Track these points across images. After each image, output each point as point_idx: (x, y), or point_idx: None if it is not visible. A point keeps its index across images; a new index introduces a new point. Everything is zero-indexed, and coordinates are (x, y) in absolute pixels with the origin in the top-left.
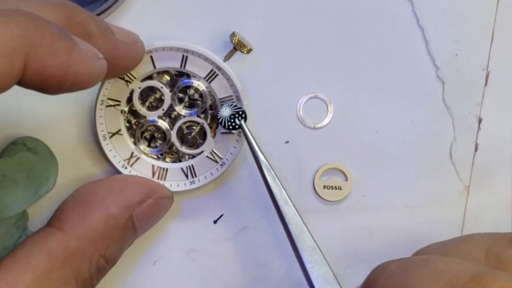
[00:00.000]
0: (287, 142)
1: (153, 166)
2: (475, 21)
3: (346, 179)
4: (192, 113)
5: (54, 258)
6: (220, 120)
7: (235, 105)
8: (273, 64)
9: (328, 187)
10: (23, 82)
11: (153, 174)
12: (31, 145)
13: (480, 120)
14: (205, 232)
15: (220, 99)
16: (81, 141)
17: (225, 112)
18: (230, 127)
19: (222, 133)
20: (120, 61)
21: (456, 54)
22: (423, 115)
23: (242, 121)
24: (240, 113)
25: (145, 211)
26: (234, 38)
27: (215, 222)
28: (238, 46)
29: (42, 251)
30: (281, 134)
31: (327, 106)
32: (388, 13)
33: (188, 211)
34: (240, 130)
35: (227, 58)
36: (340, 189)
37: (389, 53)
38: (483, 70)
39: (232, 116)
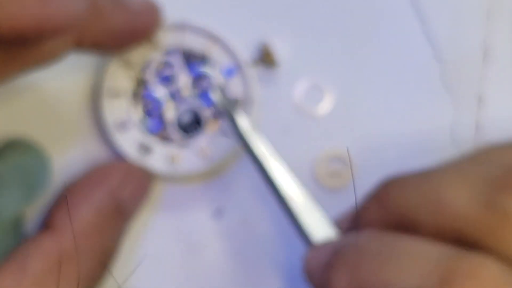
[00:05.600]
0: (285, 130)
1: (140, 141)
2: None
3: (347, 166)
4: (199, 102)
5: (51, 260)
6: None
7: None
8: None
9: (329, 175)
10: None
11: (138, 150)
12: (25, 145)
13: (480, 100)
14: (201, 226)
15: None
16: (79, 127)
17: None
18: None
19: (220, 130)
20: (138, 29)
21: (454, 33)
22: (422, 97)
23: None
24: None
25: (129, 194)
26: (266, 48)
27: (212, 216)
28: (266, 57)
29: (38, 254)
30: (279, 123)
31: (325, 93)
32: None
33: (183, 205)
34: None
35: (253, 64)
36: (341, 176)
37: (385, 35)
38: (481, 49)
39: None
